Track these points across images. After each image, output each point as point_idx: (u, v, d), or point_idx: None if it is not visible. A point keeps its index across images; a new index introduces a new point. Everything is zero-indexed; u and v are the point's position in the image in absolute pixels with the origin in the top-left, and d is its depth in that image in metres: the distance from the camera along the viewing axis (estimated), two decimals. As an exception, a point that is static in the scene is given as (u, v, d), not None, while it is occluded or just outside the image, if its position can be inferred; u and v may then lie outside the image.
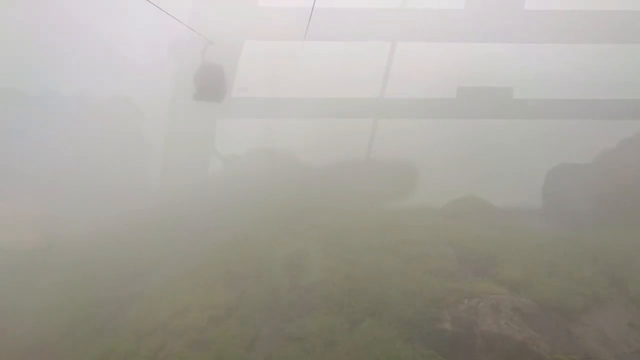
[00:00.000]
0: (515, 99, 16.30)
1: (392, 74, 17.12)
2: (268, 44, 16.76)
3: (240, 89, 16.61)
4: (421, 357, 6.78)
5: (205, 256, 11.12)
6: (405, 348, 6.95)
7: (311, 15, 9.26)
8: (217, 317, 8.17)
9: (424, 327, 7.33)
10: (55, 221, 13.63)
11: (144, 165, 15.67)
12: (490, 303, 7.41)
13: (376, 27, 15.99)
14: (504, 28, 15.43)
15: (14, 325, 10.05)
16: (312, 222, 12.42)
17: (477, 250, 9.60)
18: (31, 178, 14.95)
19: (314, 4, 8.39)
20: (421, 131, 17.41)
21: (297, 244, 10.89)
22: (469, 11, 15.54)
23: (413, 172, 15.98)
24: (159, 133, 16.12)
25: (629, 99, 16.18)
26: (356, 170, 16.17)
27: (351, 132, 17.19)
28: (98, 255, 11.87)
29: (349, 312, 7.96)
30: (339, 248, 10.37)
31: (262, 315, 8.25)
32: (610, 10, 15.35)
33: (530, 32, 15.50)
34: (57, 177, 15.01)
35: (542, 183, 13.86)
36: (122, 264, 11.41)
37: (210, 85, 11.39)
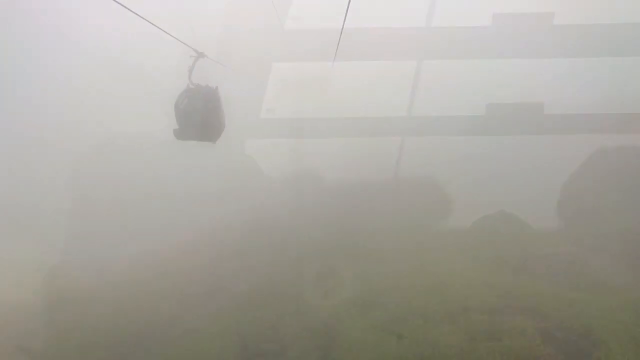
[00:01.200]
0: (547, 114, 15.51)
1: (421, 92, 16.69)
2: (295, 65, 16.24)
3: (267, 110, 16.26)
4: None
5: (216, 322, 9.22)
6: None
7: (340, 37, 8.02)
8: None
9: None
10: (58, 273, 12.07)
11: (152, 208, 14.09)
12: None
13: (404, 46, 15.67)
14: (533, 43, 15.17)
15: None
16: (344, 272, 10.48)
17: (562, 322, 7.40)
18: (33, 226, 13.59)
19: (343, 26, 7.25)
20: (451, 149, 16.31)
21: (326, 308, 8.91)
22: (497, 27, 15.38)
23: (444, 191, 15.05)
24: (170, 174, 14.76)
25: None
26: (387, 191, 15.18)
27: (380, 151, 16.19)
28: (97, 318, 10.08)
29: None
30: (380, 314, 8.34)
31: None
32: None
33: (559, 47, 15.12)
34: (60, 224, 13.67)
35: (581, 204, 12.59)
36: (121, 330, 9.56)
37: (197, 117, 7.66)
